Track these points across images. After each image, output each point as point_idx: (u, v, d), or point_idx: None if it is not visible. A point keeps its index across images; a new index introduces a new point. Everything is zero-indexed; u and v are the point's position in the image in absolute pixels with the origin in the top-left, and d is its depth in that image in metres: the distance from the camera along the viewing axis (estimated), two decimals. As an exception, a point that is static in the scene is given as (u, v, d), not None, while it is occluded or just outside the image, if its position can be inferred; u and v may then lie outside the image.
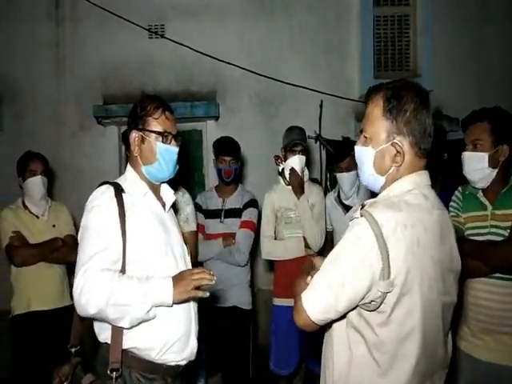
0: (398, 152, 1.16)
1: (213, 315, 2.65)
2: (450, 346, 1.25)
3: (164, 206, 1.68)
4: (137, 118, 1.61)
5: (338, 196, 2.92)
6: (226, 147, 2.87)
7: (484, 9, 4.39)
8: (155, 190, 1.67)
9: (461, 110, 2.16)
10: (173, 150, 1.63)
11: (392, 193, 1.18)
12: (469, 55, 4.35)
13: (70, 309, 2.62)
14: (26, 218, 2.73)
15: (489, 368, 1.84)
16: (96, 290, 1.39)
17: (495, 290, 1.84)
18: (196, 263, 2.33)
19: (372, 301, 1.10)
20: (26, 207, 2.76)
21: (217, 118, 4.28)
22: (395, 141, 1.16)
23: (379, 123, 1.17)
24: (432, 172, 2.29)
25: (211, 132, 4.22)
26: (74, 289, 1.41)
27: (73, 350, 1.67)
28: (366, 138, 1.22)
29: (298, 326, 1.18)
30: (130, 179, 1.63)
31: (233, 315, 2.75)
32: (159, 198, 1.68)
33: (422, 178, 1.21)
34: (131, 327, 1.46)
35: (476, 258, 1.85)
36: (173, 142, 1.64)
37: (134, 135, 1.62)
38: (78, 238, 1.54)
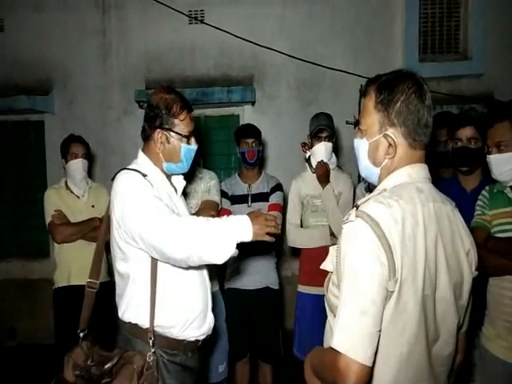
0: (390, 144, 1.15)
1: (246, 297, 2.78)
2: (451, 348, 1.19)
3: (176, 191, 1.74)
4: (162, 118, 1.62)
5: (369, 186, 2.85)
6: (247, 130, 2.94)
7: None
8: (167, 176, 1.73)
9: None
10: (194, 149, 1.71)
11: (385, 186, 1.15)
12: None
13: (107, 285, 2.78)
14: (67, 198, 2.90)
15: None
16: (183, 232, 1.40)
17: None
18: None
19: None
20: (68, 187, 2.93)
21: (253, 103, 4.28)
22: (387, 132, 1.15)
23: (372, 115, 1.17)
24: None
25: (248, 117, 4.23)
26: (157, 240, 1.42)
27: (81, 334, 1.66)
28: (361, 130, 1.22)
29: None
30: (145, 165, 1.65)
31: (266, 295, 2.84)
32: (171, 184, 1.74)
33: (417, 171, 1.16)
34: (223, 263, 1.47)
35: (504, 256, 1.77)
36: (192, 139, 1.69)
37: (159, 135, 1.63)
38: (126, 211, 1.49)
